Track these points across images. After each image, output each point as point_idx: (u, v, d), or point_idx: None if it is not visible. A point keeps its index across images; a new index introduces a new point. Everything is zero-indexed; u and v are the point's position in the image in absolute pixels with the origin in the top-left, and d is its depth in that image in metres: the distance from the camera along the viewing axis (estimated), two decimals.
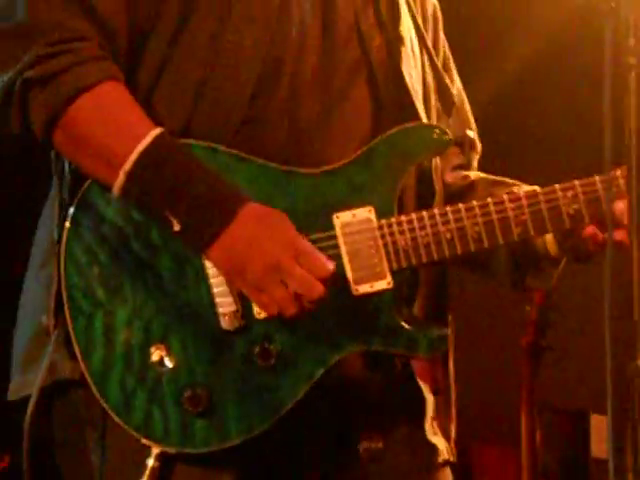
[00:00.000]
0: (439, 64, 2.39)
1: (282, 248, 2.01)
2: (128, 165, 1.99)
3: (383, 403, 2.23)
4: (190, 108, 2.10)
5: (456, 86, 2.49)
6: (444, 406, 2.29)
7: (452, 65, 2.53)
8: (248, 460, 2.05)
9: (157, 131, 2.03)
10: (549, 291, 3.97)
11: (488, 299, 4.12)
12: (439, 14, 2.47)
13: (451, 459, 2.28)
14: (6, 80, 2.01)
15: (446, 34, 2.55)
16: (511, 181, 2.43)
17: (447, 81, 2.39)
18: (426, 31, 2.39)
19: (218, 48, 2.10)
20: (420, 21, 2.36)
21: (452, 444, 2.29)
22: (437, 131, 2.18)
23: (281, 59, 2.13)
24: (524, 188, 2.33)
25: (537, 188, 2.24)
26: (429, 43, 2.37)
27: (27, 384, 2.14)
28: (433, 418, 2.26)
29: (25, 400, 2.13)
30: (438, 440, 2.26)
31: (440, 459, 2.25)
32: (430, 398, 2.28)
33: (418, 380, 2.24)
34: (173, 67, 2.11)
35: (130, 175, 2.00)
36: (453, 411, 2.30)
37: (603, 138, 1.83)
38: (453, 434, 2.28)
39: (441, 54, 2.44)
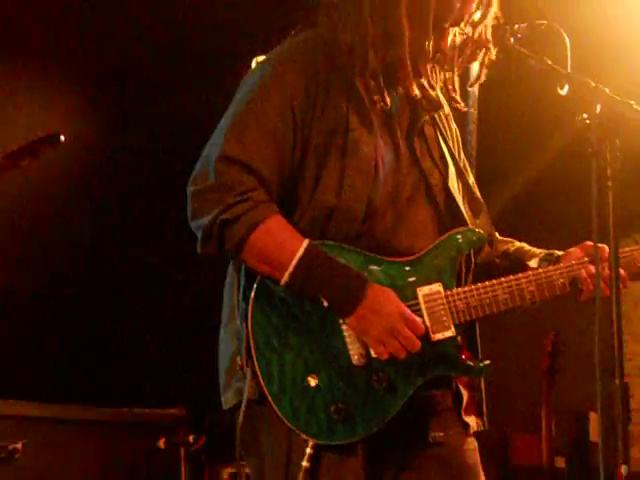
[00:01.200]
0: (465, 174, 2.38)
1: (395, 317, 2.07)
2: (291, 268, 2.05)
3: (443, 406, 2.25)
4: (324, 226, 2.13)
5: (472, 183, 2.42)
6: (479, 396, 2.32)
7: (469, 168, 2.44)
8: (366, 446, 2.10)
9: (306, 243, 2.07)
10: (558, 332, 4.02)
11: (520, 338, 4.14)
12: (460, 137, 2.46)
13: (481, 429, 2.30)
14: (208, 220, 2.07)
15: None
16: (509, 239, 2.44)
17: (477, 193, 2.39)
18: (454, 151, 2.38)
19: (340, 192, 2.12)
20: (451, 145, 2.37)
21: (484, 418, 2.30)
22: (478, 233, 2.23)
23: (376, 196, 2.15)
24: (515, 244, 2.41)
25: (535, 261, 2.31)
26: (460, 164, 2.38)
27: (227, 401, 2.19)
28: (466, 405, 2.27)
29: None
30: (470, 419, 2.28)
31: (471, 430, 2.28)
32: (465, 393, 2.28)
33: (460, 386, 2.27)
34: (312, 203, 2.13)
35: (292, 275, 2.05)
36: (484, 398, 2.31)
37: (592, 232, 1.99)
38: (484, 411, 2.31)
39: (462, 163, 2.40)
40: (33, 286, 5.48)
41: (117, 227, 5.78)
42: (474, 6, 2.20)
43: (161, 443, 4.26)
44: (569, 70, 2.14)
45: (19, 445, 3.80)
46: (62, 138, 3.93)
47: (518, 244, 2.42)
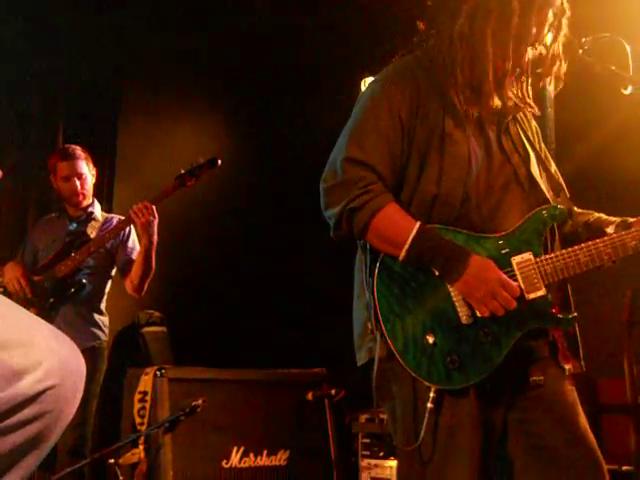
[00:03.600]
0: (546, 162, 2.35)
1: (494, 281, 2.06)
2: (407, 245, 2.07)
3: (541, 354, 2.20)
4: (429, 211, 2.13)
5: (554, 170, 2.37)
6: (574, 342, 2.26)
7: (549, 157, 2.40)
8: (477, 389, 2.08)
9: (418, 224, 2.09)
10: (636, 288, 3.93)
11: (604, 294, 4.06)
12: (539, 130, 2.43)
13: (580, 371, 2.23)
14: (339, 210, 2.11)
15: None
16: (588, 211, 2.38)
17: (556, 175, 2.36)
18: (535, 143, 2.35)
19: (440, 182, 2.12)
20: (532, 138, 2.34)
21: (582, 362, 2.24)
22: (559, 208, 2.19)
23: (470, 185, 2.13)
24: (594, 215, 2.35)
25: (611, 227, 2.25)
26: (542, 154, 2.35)
27: (360, 359, 2.21)
28: (563, 352, 2.22)
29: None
30: (566, 364, 2.22)
31: (568, 373, 2.23)
32: (561, 343, 2.21)
33: (555, 336, 2.22)
34: (418, 192, 2.14)
35: (408, 251, 2.07)
36: (580, 344, 2.27)
37: None
38: (582, 355, 2.26)
39: (543, 153, 2.37)
40: (205, 280, 5.71)
41: (263, 226, 5.96)
42: (546, 29, 2.18)
43: (309, 396, 4.40)
44: (631, 74, 2.13)
45: (200, 401, 3.96)
46: (219, 162, 4.09)
47: (596, 215, 2.37)
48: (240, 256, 5.89)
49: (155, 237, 4.10)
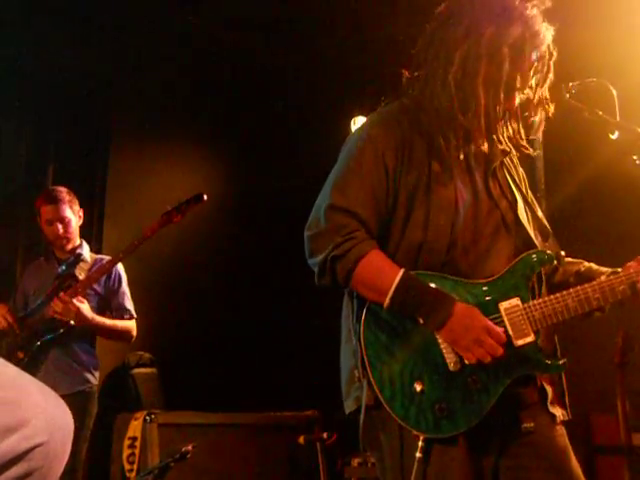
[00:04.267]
0: (533, 207, 2.36)
1: (479, 328, 2.05)
2: (390, 293, 2.06)
3: (531, 401, 2.19)
4: (415, 258, 2.12)
5: (541, 215, 2.37)
6: (560, 390, 2.26)
7: (536, 202, 2.41)
8: (467, 437, 2.06)
9: (402, 272, 2.07)
10: (627, 330, 3.93)
11: (596, 336, 4.08)
12: (526, 177, 2.44)
13: (566, 419, 2.22)
14: (322, 257, 2.11)
15: None
16: (579, 260, 2.39)
17: (544, 221, 2.37)
18: (522, 188, 2.35)
19: (426, 228, 2.11)
20: (519, 183, 2.35)
21: (568, 410, 2.24)
22: (548, 253, 2.19)
23: (457, 230, 2.13)
24: (585, 265, 2.36)
25: (603, 278, 2.21)
26: (528, 199, 2.36)
27: (348, 407, 2.19)
28: (552, 399, 2.22)
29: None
30: (556, 410, 2.21)
31: (558, 420, 2.22)
32: (549, 388, 2.22)
33: (543, 382, 2.22)
34: (405, 239, 2.13)
35: (392, 298, 2.06)
36: (565, 392, 2.27)
37: None
38: (567, 403, 2.26)
39: (530, 198, 2.37)
40: (195, 321, 5.69)
41: (253, 266, 5.95)
42: (532, 73, 2.21)
43: (301, 440, 4.37)
44: (618, 118, 2.16)
45: (190, 447, 3.93)
46: (204, 197, 4.12)
47: (587, 264, 2.38)
48: (230, 297, 5.88)
49: (91, 320, 4.13)
